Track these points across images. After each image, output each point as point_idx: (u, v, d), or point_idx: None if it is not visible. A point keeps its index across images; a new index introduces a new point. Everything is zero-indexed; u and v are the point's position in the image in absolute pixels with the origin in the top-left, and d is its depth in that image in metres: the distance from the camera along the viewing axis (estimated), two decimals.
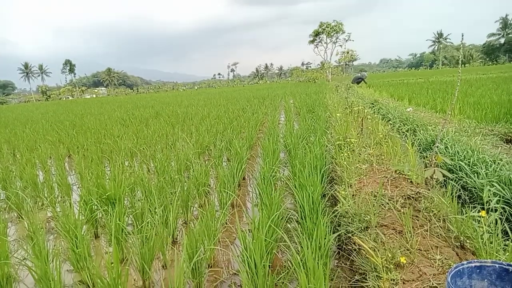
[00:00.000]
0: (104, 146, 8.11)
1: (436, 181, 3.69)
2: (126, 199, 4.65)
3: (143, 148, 7.61)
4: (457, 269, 1.79)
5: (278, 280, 2.84)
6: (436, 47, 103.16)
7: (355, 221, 3.19)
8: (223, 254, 3.65)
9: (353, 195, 3.75)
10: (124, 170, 5.59)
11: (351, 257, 2.99)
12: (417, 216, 3.12)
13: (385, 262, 2.42)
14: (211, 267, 3.36)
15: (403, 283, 2.27)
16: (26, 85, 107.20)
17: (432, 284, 2.21)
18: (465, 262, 1.83)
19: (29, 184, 5.69)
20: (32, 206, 5.17)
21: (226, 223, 4.13)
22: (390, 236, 2.84)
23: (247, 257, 2.66)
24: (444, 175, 3.39)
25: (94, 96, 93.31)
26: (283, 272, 2.92)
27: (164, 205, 4.12)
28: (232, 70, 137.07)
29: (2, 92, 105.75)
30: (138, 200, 4.65)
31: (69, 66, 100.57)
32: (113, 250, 2.88)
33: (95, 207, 4.30)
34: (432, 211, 3.15)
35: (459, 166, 4.39)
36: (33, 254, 3.26)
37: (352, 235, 3.04)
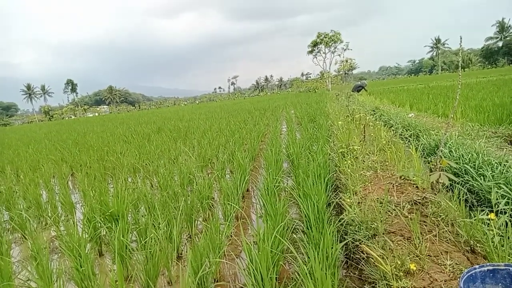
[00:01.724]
0: (107, 163, 8.10)
1: (442, 185, 3.65)
2: (129, 215, 4.62)
3: (146, 164, 7.59)
4: (469, 273, 1.74)
5: None
6: (435, 53, 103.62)
7: (362, 229, 3.14)
8: (229, 268, 3.59)
9: (358, 203, 3.70)
10: (127, 187, 5.56)
11: (359, 266, 2.93)
12: (424, 222, 3.06)
13: (394, 269, 2.36)
14: (217, 281, 3.29)
15: None
16: (29, 106, 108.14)
17: None
18: (477, 266, 1.78)
19: (32, 204, 5.67)
20: (35, 226, 5.14)
21: (231, 235, 4.08)
22: (399, 242, 2.79)
23: (253, 270, 2.61)
24: (450, 179, 3.34)
25: (96, 114, 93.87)
26: (290, 284, 2.86)
27: (168, 220, 4.08)
28: (233, 83, 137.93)
29: (6, 114, 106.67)
30: (142, 216, 4.61)
31: (71, 85, 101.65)
32: (117, 268, 2.83)
33: (99, 224, 4.26)
34: (440, 215, 3.10)
35: (465, 169, 4.34)
36: (36, 274, 3.23)
37: (360, 243, 2.98)
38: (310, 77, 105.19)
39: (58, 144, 13.81)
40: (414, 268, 2.33)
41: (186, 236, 4.38)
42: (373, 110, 12.93)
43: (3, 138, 23.66)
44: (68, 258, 3.68)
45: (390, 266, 2.36)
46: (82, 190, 6.12)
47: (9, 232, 5.12)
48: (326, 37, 48.97)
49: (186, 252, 3.94)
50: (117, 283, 2.71)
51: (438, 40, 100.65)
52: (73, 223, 4.78)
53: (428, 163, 5.36)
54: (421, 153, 5.72)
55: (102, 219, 4.31)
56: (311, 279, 2.33)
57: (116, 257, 3.03)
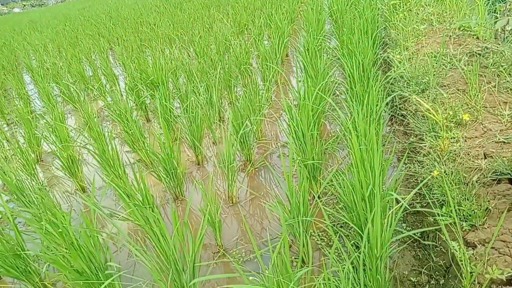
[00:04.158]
0: (142, 35, 7.94)
1: (509, 33, 3.19)
2: (170, 83, 4.65)
3: (181, 34, 7.35)
4: None
5: (326, 147, 2.79)
6: None
7: (412, 84, 2.93)
8: (270, 130, 3.66)
9: (409, 59, 3.40)
10: (164, 57, 5.48)
11: (405, 122, 2.83)
12: (483, 73, 2.77)
13: (445, 120, 2.23)
14: (259, 139, 3.39)
15: (465, 140, 2.10)
16: None
17: (499, 139, 2.02)
18: None
19: (77, 78, 5.85)
20: (84, 97, 5.38)
21: (270, 99, 4.04)
22: (452, 95, 2.59)
23: (294, 126, 2.58)
24: None
25: None
26: (331, 140, 2.86)
27: (207, 86, 4.06)
28: None
29: None
30: (182, 84, 4.62)
31: None
32: (163, 129, 2.93)
33: (142, 92, 4.35)
34: (502, 65, 2.78)
35: None
36: (91, 137, 3.46)
37: (408, 98, 2.82)
38: None
39: (92, 19, 13.59)
40: (467, 119, 2.18)
41: (227, 102, 4.41)
42: None
43: (41, 18, 23.68)
44: (118, 123, 3.89)
45: (442, 116, 2.22)
46: (122, 62, 6.15)
47: (61, 104, 5.45)
48: None
49: (228, 116, 4.00)
50: (165, 144, 2.83)
51: None
52: (119, 92, 4.95)
53: (494, 12, 4.67)
54: (486, 1, 4.95)
55: (144, 87, 4.39)
56: (354, 133, 2.26)
57: (160, 118, 3.12)
